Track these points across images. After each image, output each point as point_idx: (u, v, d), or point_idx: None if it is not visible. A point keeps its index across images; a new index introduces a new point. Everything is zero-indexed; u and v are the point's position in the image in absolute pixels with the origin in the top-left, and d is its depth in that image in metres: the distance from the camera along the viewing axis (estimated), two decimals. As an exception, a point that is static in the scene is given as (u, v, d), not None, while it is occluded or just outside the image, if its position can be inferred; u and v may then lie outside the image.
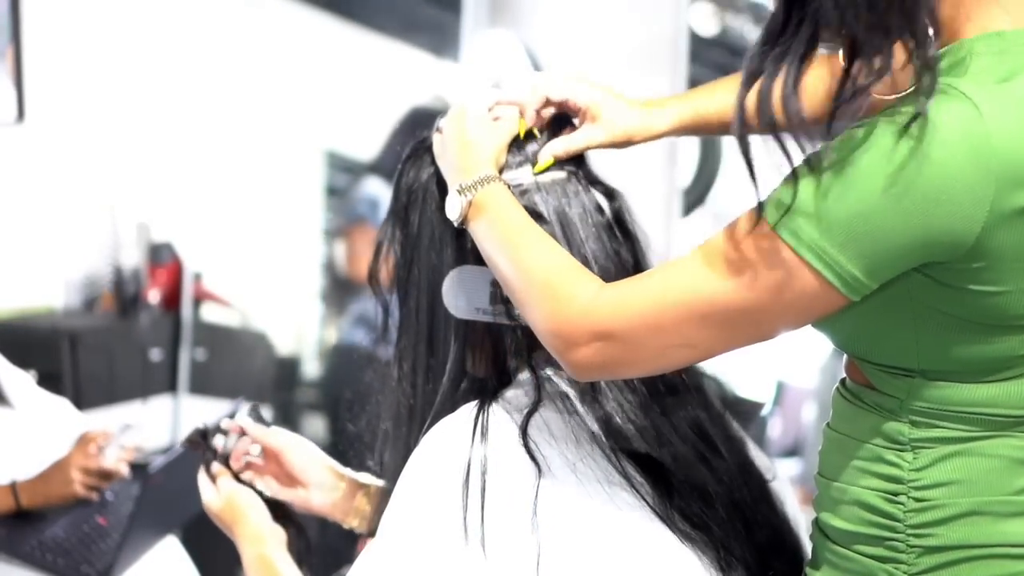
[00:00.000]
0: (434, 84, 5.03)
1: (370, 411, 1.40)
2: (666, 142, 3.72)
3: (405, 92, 5.35)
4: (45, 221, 3.59)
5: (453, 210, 1.26)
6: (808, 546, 1.31)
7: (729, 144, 5.17)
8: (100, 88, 3.74)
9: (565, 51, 3.70)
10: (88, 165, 3.71)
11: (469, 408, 1.22)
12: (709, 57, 6.98)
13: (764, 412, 5.36)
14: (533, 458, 1.17)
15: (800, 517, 1.37)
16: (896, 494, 1.13)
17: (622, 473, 1.21)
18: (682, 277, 1.11)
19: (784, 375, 7.00)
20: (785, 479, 1.39)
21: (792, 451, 7.00)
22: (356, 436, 1.45)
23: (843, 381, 1.23)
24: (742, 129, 1.09)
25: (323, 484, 1.56)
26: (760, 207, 1.09)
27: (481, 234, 1.24)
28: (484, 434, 1.18)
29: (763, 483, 1.31)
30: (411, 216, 1.33)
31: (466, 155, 1.28)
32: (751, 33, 6.02)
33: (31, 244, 3.55)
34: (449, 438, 1.20)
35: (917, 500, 1.13)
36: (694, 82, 4.41)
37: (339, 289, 4.44)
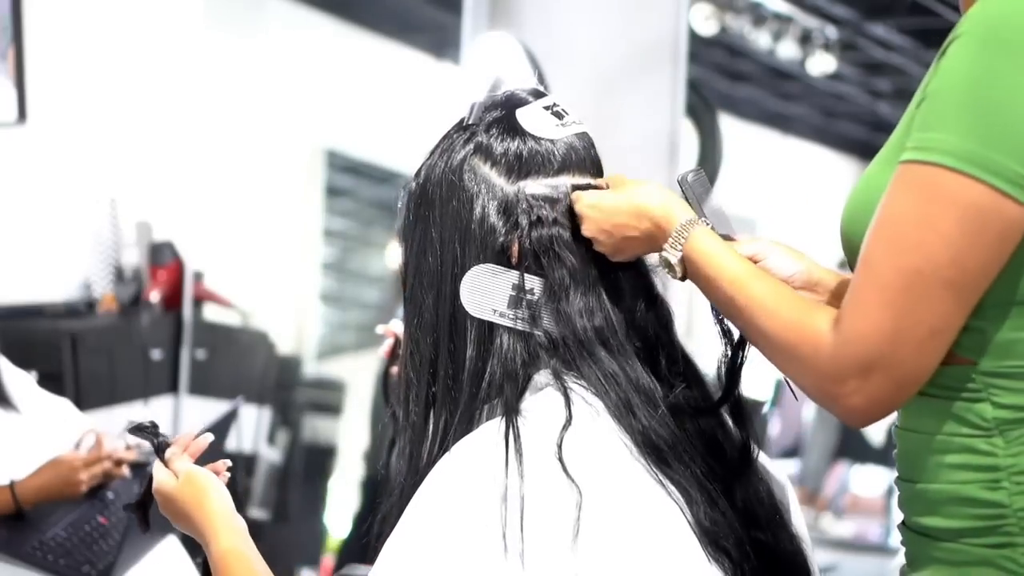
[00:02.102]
0: (434, 85, 5.04)
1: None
2: (666, 141, 3.73)
3: (405, 93, 5.36)
4: (46, 221, 3.60)
5: (670, 272, 1.25)
6: (811, 558, 1.30)
7: (729, 141, 5.17)
8: (101, 89, 3.74)
9: (565, 52, 3.70)
10: (89, 165, 3.72)
11: (495, 425, 1.18)
12: (709, 57, 6.99)
13: (764, 412, 5.36)
14: (572, 479, 1.13)
15: (803, 522, 1.36)
16: (997, 481, 1.12)
17: (663, 490, 1.18)
18: (892, 267, 1.09)
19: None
20: (786, 480, 1.38)
21: (792, 451, 7.00)
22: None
23: None
24: None
25: None
26: (908, 159, 1.10)
27: (701, 287, 1.24)
28: (518, 452, 1.14)
29: (772, 496, 1.30)
30: (437, 202, 1.29)
31: (659, 209, 1.25)
32: (751, 33, 6.03)
33: (33, 244, 3.56)
34: (480, 453, 1.16)
35: (1018, 483, 1.11)
36: (694, 82, 4.43)
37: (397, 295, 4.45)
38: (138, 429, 1.42)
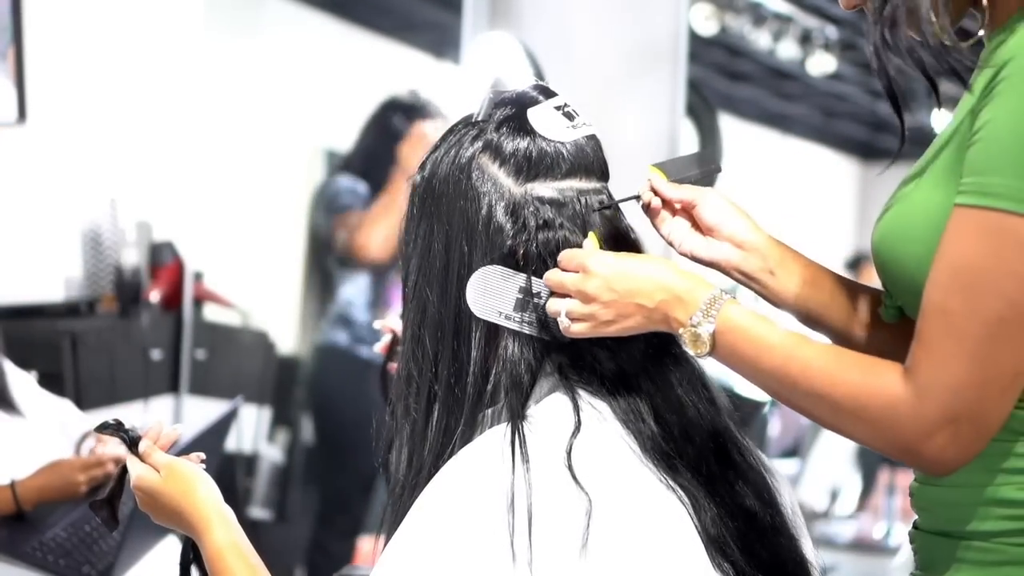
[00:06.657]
0: (434, 84, 5.03)
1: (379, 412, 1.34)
2: (666, 141, 3.73)
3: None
4: (47, 221, 3.60)
5: (697, 347, 1.19)
6: (813, 561, 1.30)
7: (729, 141, 5.18)
8: (101, 88, 3.74)
9: (565, 52, 3.70)
10: (89, 165, 3.72)
11: (501, 430, 1.17)
12: (709, 57, 6.99)
13: (764, 412, 5.36)
14: (581, 486, 1.13)
15: (803, 523, 1.35)
16: None
17: (673, 495, 1.18)
18: (972, 316, 1.08)
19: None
20: (785, 480, 1.38)
21: (791, 451, 7.00)
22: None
23: None
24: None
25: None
26: (970, 204, 1.08)
27: (735, 360, 1.19)
28: (525, 459, 1.13)
29: (775, 502, 1.29)
30: (443, 198, 1.26)
31: (675, 282, 1.20)
32: (751, 33, 6.03)
33: (33, 244, 3.55)
34: (487, 459, 1.15)
35: None
36: (694, 82, 4.43)
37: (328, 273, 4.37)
38: (104, 427, 1.38)
